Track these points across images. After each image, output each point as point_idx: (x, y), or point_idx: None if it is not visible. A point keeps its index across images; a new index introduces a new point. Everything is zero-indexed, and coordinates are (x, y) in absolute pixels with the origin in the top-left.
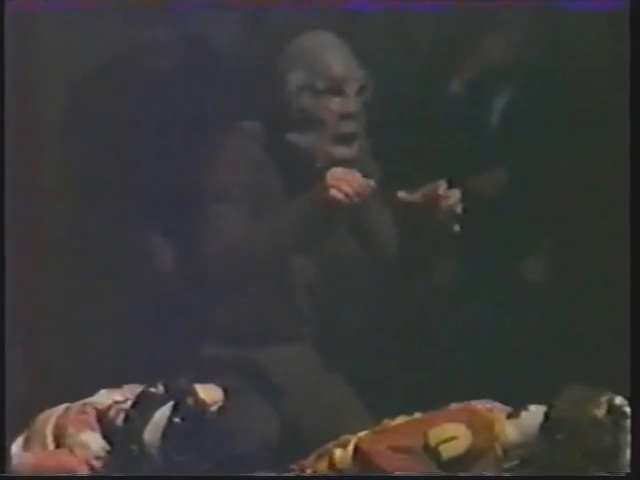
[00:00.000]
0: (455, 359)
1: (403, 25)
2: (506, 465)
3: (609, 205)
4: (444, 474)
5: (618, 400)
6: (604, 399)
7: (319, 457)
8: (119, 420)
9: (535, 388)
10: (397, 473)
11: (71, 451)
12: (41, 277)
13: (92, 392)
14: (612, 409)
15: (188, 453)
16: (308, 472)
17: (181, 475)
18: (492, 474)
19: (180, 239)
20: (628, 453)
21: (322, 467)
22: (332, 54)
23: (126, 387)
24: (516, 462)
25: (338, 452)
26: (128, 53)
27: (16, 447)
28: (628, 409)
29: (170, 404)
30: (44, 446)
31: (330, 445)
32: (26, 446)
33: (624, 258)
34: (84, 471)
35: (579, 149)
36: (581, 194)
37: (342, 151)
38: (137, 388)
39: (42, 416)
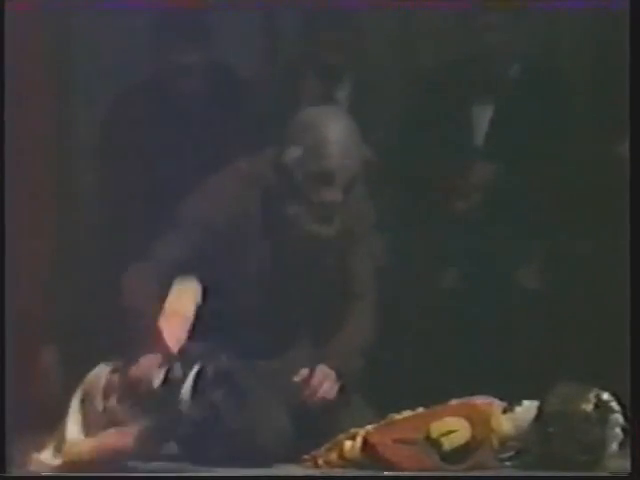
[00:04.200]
0: (455, 359)
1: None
2: (502, 455)
3: (603, 211)
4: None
5: (605, 396)
6: (592, 395)
7: (330, 448)
8: (157, 382)
9: (529, 385)
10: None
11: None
12: (70, 277)
13: None
14: (600, 404)
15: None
16: (320, 462)
17: (182, 475)
18: (489, 464)
19: None
20: (614, 445)
21: (333, 458)
22: (332, 139)
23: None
24: (511, 453)
25: (347, 444)
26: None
27: (74, 427)
28: (614, 404)
29: (196, 368)
30: (97, 406)
31: (340, 437)
32: (82, 408)
33: (614, 263)
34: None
35: (576, 152)
36: (576, 199)
37: (320, 230)
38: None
39: (90, 379)
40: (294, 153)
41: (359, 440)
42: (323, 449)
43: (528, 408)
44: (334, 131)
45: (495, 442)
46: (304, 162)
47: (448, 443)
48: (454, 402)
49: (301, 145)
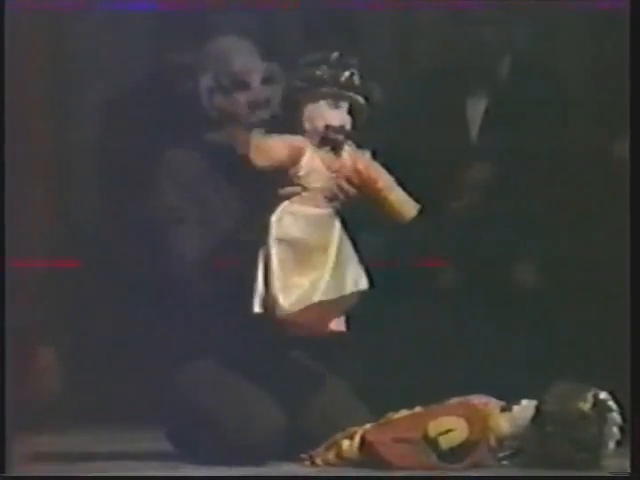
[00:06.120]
0: (453, 358)
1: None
2: (500, 454)
3: (602, 210)
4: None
5: (603, 395)
6: (590, 394)
7: (328, 448)
8: None
9: (527, 384)
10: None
11: None
12: (73, 279)
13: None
14: (597, 403)
15: None
16: (318, 461)
17: (180, 475)
18: (487, 463)
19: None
20: (611, 444)
21: (330, 457)
22: (233, 53)
23: None
24: (509, 452)
25: (345, 443)
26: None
27: None
28: (612, 403)
29: None
30: None
31: (338, 436)
32: None
33: (614, 262)
34: None
35: (575, 150)
36: (575, 197)
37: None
38: None
39: None
40: (206, 79)
41: (357, 439)
42: (321, 448)
43: (526, 407)
44: (232, 48)
45: (493, 441)
46: (217, 82)
47: (446, 442)
48: (452, 401)
49: (209, 71)
